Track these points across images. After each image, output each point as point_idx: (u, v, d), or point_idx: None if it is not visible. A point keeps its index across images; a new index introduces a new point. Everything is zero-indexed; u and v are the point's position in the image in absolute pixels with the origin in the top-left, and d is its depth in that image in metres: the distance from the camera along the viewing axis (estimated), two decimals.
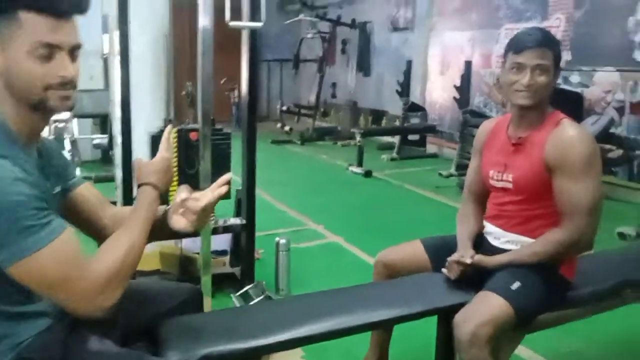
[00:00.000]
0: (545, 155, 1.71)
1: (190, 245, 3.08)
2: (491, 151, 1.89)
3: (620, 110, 5.14)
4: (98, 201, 1.40)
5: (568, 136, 1.69)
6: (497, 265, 1.75)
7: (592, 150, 1.68)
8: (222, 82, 7.80)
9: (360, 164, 6.29)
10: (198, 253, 2.67)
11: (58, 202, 1.26)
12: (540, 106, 1.75)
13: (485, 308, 1.60)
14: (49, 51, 1.09)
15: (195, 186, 2.43)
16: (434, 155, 7.26)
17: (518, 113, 1.79)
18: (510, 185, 1.80)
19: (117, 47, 2.45)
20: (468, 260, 1.77)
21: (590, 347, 2.47)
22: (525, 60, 1.68)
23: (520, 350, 2.29)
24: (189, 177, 2.51)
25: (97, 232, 1.38)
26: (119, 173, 2.65)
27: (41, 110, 1.12)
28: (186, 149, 2.51)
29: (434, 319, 1.87)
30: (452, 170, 5.83)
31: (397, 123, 7.70)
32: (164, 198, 1.37)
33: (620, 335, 2.57)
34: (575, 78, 5.51)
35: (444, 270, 1.84)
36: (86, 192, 1.38)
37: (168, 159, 1.40)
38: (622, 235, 3.90)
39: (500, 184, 1.83)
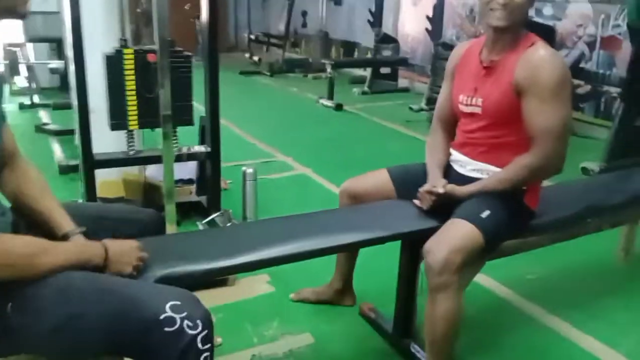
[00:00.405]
0: (515, 77, 1.67)
1: (155, 173, 3.01)
2: (462, 75, 1.84)
3: (591, 44, 5.12)
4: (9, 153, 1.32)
5: (539, 57, 1.65)
6: (467, 195, 1.74)
7: (563, 73, 1.65)
8: (186, 7, 7.44)
9: (331, 97, 6.18)
10: (162, 181, 2.60)
11: None
12: (515, 28, 1.69)
13: (457, 235, 1.60)
14: None
15: (155, 112, 2.34)
16: (405, 90, 7.19)
17: (492, 36, 1.73)
18: (479, 110, 1.76)
19: None
20: (440, 190, 1.75)
21: (550, 274, 2.55)
22: None
23: (481, 278, 2.35)
24: (148, 101, 2.39)
25: None
26: (74, 98, 2.51)
27: None
28: (144, 72, 2.38)
29: (397, 246, 1.89)
30: (423, 105, 5.78)
31: (369, 55, 7.54)
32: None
33: (579, 262, 2.66)
34: (548, 10, 5.43)
35: (415, 201, 1.83)
36: (6, 134, 1.30)
37: (135, 249, 1.31)
38: (585, 170, 3.97)
39: (469, 109, 1.80)
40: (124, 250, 1.28)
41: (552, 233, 2.01)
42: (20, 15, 1.06)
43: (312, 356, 1.94)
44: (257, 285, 2.32)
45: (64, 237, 1.28)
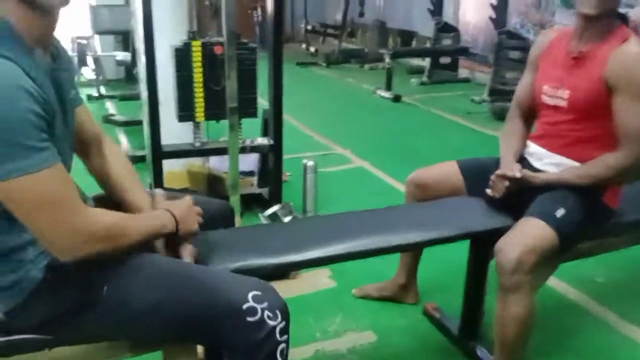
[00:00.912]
0: (606, 71, 1.58)
1: (217, 164, 3.06)
2: (548, 64, 1.76)
3: None
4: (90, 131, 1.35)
5: (633, 55, 1.56)
6: (544, 183, 1.66)
7: None
8: None
9: (388, 88, 6.10)
10: (226, 173, 2.64)
11: (71, 108, 1.19)
12: (607, 18, 1.60)
13: (531, 234, 1.53)
14: None
15: (221, 104, 2.37)
16: (466, 80, 6.99)
17: (582, 24, 1.64)
18: (564, 103, 1.68)
19: None
20: (517, 174, 1.66)
21: (620, 278, 2.42)
22: None
23: (550, 280, 2.26)
24: (214, 93, 2.42)
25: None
26: (144, 90, 2.58)
27: (38, 6, 1.02)
28: (211, 64, 2.41)
29: (464, 243, 1.83)
30: (485, 96, 5.61)
31: (428, 45, 7.38)
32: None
33: None
34: None
35: (487, 190, 1.74)
36: (84, 115, 1.32)
37: (192, 206, 1.32)
38: None
39: (553, 101, 1.72)
40: (185, 210, 1.29)
41: (631, 235, 1.90)
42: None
43: (375, 354, 1.92)
44: (319, 279, 2.32)
45: None
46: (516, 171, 1.68)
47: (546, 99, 1.74)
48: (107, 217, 1.12)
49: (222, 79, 2.35)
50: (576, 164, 1.69)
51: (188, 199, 1.33)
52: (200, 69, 2.40)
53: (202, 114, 2.49)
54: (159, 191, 1.38)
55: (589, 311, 2.18)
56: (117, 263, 1.16)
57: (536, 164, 1.78)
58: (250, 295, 1.13)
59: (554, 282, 2.30)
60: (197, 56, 2.40)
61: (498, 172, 1.72)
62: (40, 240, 1.06)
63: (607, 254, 1.94)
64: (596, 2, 1.56)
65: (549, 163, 1.74)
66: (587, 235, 1.72)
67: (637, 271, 2.48)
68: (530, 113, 1.86)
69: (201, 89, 2.43)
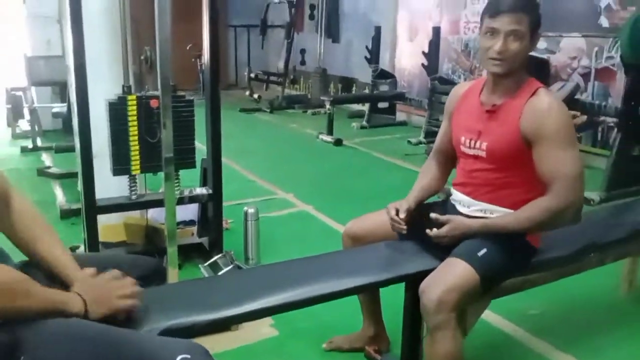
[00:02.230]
0: (521, 125, 1.67)
1: (156, 215, 3.01)
2: (462, 116, 1.84)
3: (585, 76, 5.19)
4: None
5: (545, 106, 1.64)
6: (482, 228, 1.70)
7: (569, 119, 1.67)
8: (188, 48, 7.58)
9: (330, 133, 6.24)
10: (164, 224, 2.60)
11: None
12: (516, 73, 1.70)
13: (451, 274, 1.60)
14: None
15: (157, 156, 2.37)
16: (403, 123, 7.26)
17: (493, 80, 1.74)
18: (483, 154, 1.75)
19: (68, 11, 2.31)
20: (402, 214, 1.79)
21: (555, 309, 2.53)
22: (500, 26, 1.62)
23: (487, 314, 2.33)
24: (151, 146, 2.42)
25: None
26: (77, 143, 2.54)
27: None
28: (147, 117, 2.41)
29: (402, 285, 1.87)
30: (421, 138, 5.85)
31: (367, 91, 7.64)
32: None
33: (583, 296, 2.64)
34: (542, 44, 5.52)
35: (427, 231, 1.74)
36: None
37: (110, 287, 1.27)
38: (586, 200, 3.97)
39: (472, 152, 1.79)
40: (102, 290, 1.24)
41: (555, 270, 2.00)
42: None
43: None
44: (260, 329, 2.29)
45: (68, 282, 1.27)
46: (401, 211, 1.80)
47: (465, 149, 1.82)
48: (5, 273, 1.09)
49: (158, 131, 2.36)
50: (502, 209, 1.75)
51: (109, 275, 1.29)
52: (135, 123, 2.40)
53: (138, 167, 2.47)
54: (80, 253, 1.33)
55: (525, 343, 2.26)
56: (36, 330, 1.12)
57: (463, 210, 1.84)
58: (178, 359, 1.11)
59: (489, 316, 2.38)
60: (132, 110, 2.40)
61: (390, 213, 1.82)
62: None
63: (538, 287, 2.03)
64: (501, 63, 1.65)
65: (476, 210, 1.80)
66: (512, 273, 1.80)
67: (568, 302, 2.59)
68: (449, 158, 1.96)
69: (136, 142, 2.42)
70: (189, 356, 1.13)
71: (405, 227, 1.80)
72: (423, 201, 1.92)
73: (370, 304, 2.09)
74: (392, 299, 2.10)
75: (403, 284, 1.82)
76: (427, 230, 1.72)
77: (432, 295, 1.56)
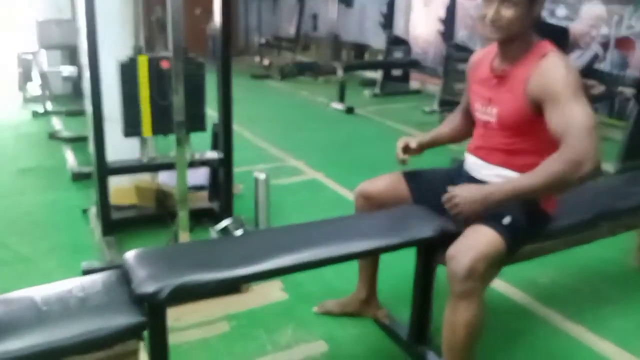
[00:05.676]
0: (528, 89, 1.63)
1: (167, 179, 3.02)
2: (477, 83, 1.83)
3: (604, 45, 5.06)
4: None
5: (551, 65, 1.60)
6: (508, 196, 1.58)
7: (575, 75, 1.60)
8: (196, 12, 7.49)
9: (341, 101, 6.17)
10: (174, 187, 2.61)
11: None
12: (520, 39, 1.65)
13: (480, 242, 1.58)
14: None
15: (168, 118, 2.35)
16: (417, 91, 7.16)
17: (499, 46, 1.72)
18: (493, 119, 1.74)
19: None
20: (413, 144, 1.92)
21: (563, 278, 2.52)
22: None
23: (495, 281, 2.33)
24: (161, 108, 2.40)
25: None
26: (88, 105, 2.53)
27: None
28: (158, 79, 2.39)
29: (413, 250, 1.87)
30: (435, 107, 5.76)
31: (380, 57, 7.52)
32: None
33: (592, 267, 2.63)
34: (561, 11, 5.38)
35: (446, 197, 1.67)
36: None
37: None
38: (600, 172, 3.93)
39: (484, 117, 1.78)
40: None
41: (568, 237, 1.99)
42: None
43: None
44: (271, 292, 2.31)
45: None
46: (401, 141, 1.95)
47: (478, 115, 1.81)
48: None
49: (169, 93, 2.34)
50: (514, 173, 1.72)
51: None
52: (147, 84, 2.38)
53: (149, 129, 2.46)
54: None
55: (533, 311, 2.27)
56: None
57: (476, 175, 1.83)
58: None
59: (499, 284, 2.38)
60: (143, 71, 2.38)
61: (399, 144, 1.97)
62: None
63: (547, 256, 2.02)
64: (495, 29, 1.62)
65: (489, 175, 1.78)
66: (530, 240, 1.79)
67: (576, 272, 2.58)
68: (471, 118, 1.92)
69: (147, 104, 2.41)
70: None
71: (406, 157, 1.93)
72: (435, 145, 2.02)
73: (369, 268, 2.10)
74: (398, 264, 2.10)
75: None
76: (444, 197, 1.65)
77: (463, 262, 1.54)
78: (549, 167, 1.55)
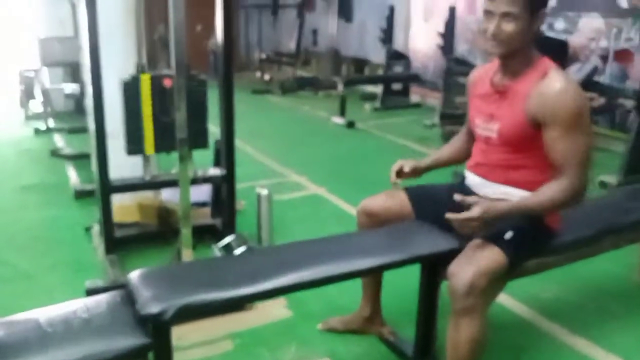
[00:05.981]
0: (528, 107, 1.63)
1: (169, 196, 3.02)
2: (477, 98, 1.83)
3: (603, 57, 5.09)
4: None
5: (556, 90, 1.58)
6: (506, 212, 1.62)
7: (582, 102, 1.60)
8: (197, 29, 7.54)
9: (342, 115, 6.19)
10: (177, 204, 2.61)
11: None
12: (520, 54, 1.66)
13: (482, 257, 1.57)
14: None
15: (171, 135, 2.36)
16: (417, 105, 7.18)
17: (500, 61, 1.72)
18: (494, 135, 1.73)
19: None
20: (406, 169, 1.92)
21: (567, 293, 2.51)
22: (494, 8, 1.59)
23: (499, 296, 2.32)
24: (164, 125, 2.41)
25: None
26: (91, 123, 2.54)
27: None
28: (160, 97, 2.40)
29: (417, 267, 1.86)
30: (436, 120, 5.78)
31: (380, 72, 7.56)
32: None
33: (595, 281, 2.61)
34: (560, 24, 5.42)
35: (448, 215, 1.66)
36: None
37: None
38: (603, 184, 3.93)
39: (485, 133, 1.78)
40: None
41: (571, 252, 1.98)
42: None
43: None
44: (274, 310, 2.30)
45: None
46: (405, 166, 1.94)
47: (479, 131, 1.81)
48: None
49: (172, 111, 2.34)
50: (515, 190, 1.72)
51: None
52: (149, 102, 2.39)
53: (152, 147, 2.47)
54: None
55: (537, 326, 2.26)
56: None
57: (479, 192, 1.81)
58: None
59: (503, 298, 2.36)
60: (145, 89, 2.39)
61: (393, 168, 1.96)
62: None
63: (551, 270, 2.01)
64: (496, 44, 1.62)
65: (492, 192, 1.77)
66: (532, 256, 1.79)
67: (580, 287, 2.57)
68: (474, 137, 1.92)
69: (150, 122, 2.41)
70: None
71: (398, 181, 1.93)
72: (435, 167, 2.02)
73: (373, 285, 2.09)
74: (402, 281, 2.09)
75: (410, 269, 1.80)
76: (448, 215, 1.62)
77: (464, 278, 1.53)
78: (552, 195, 1.63)
